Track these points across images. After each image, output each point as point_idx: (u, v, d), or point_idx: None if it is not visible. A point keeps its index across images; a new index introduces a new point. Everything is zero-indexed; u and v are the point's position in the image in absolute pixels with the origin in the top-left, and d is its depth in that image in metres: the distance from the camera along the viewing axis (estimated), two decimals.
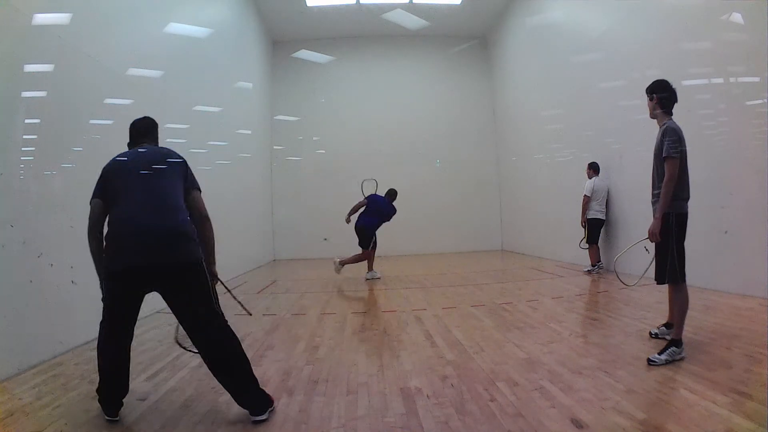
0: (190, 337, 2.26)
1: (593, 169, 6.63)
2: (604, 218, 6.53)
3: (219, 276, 2.45)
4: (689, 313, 3.00)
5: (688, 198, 3.00)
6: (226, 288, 2.47)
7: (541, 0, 8.96)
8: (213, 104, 7.21)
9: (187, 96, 6.09)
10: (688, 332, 3.22)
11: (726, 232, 4.54)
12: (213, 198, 5.82)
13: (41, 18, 3.33)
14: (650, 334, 3.30)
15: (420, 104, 11.72)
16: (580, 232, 6.77)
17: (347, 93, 11.65)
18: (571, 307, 4.48)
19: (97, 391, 2.23)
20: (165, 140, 5.39)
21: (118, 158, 2.39)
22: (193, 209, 2.36)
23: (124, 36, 4.40)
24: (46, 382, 2.73)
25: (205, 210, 2.41)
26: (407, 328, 3.91)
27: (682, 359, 2.74)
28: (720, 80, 4.67)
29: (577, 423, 2.00)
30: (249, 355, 2.99)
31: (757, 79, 4.19)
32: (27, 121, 3.22)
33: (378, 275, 7.00)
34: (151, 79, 5.08)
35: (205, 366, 2.33)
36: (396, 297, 5.47)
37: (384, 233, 11.31)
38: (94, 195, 2.28)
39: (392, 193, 7.38)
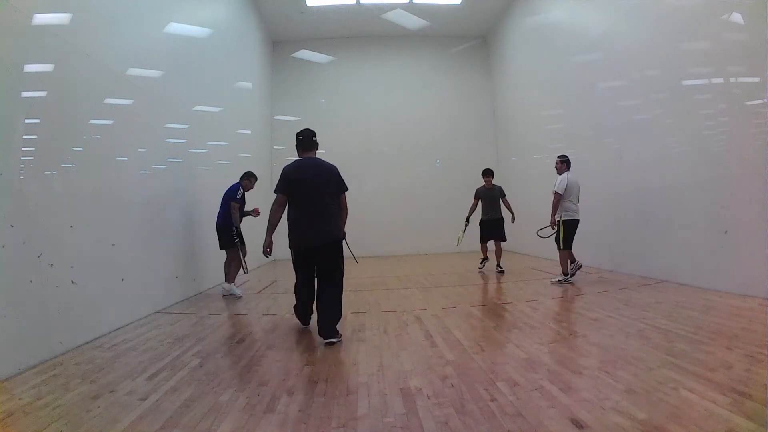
0: (319, 280, 3.76)
1: (565, 162, 5.84)
2: (578, 218, 5.74)
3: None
4: (688, 312, 3.79)
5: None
6: (347, 245, 3.88)
7: (541, 0, 8.97)
8: (213, 104, 7.20)
9: (187, 96, 6.09)
10: (688, 332, 3.26)
11: (726, 232, 4.54)
12: (213, 198, 5.88)
13: (41, 18, 3.33)
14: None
15: (420, 104, 11.72)
16: (581, 232, 6.69)
17: (347, 93, 11.65)
18: (571, 307, 4.48)
19: (294, 307, 4.07)
20: (165, 140, 5.49)
21: (294, 166, 3.73)
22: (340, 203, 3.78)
23: (124, 36, 4.39)
24: (46, 382, 2.73)
25: (346, 205, 3.82)
26: (407, 328, 3.91)
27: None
28: (720, 80, 4.66)
29: (577, 423, 2.00)
30: (249, 354, 3.15)
31: (757, 79, 4.19)
32: (27, 121, 3.21)
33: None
34: (151, 79, 5.08)
35: (205, 366, 3.00)
36: (396, 297, 5.47)
37: (384, 233, 11.46)
38: (281, 190, 3.67)
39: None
